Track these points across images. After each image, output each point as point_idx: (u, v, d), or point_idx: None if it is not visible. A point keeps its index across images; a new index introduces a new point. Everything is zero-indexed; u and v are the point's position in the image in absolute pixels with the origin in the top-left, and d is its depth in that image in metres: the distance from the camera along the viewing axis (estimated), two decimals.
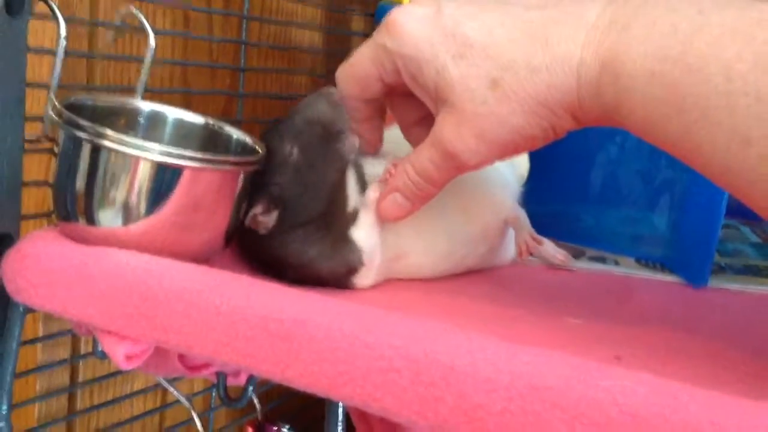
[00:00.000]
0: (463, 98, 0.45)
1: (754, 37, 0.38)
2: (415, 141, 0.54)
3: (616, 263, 0.71)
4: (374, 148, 0.56)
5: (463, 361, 0.37)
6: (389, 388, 0.38)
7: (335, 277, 0.54)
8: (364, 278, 0.55)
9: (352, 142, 0.54)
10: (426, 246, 0.58)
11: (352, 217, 0.54)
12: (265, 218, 0.52)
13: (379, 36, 0.48)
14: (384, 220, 0.53)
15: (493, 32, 0.45)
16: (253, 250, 0.55)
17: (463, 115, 0.45)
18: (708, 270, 0.66)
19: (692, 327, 0.55)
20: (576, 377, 0.35)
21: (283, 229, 0.52)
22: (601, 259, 0.72)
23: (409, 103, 0.52)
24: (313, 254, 0.53)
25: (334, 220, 0.54)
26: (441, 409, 0.37)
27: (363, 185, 0.55)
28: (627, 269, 0.70)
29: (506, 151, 0.46)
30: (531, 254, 0.64)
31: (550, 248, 0.66)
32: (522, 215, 0.63)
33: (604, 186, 0.77)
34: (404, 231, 0.56)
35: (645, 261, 0.73)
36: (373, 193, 0.54)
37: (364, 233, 0.54)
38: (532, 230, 0.64)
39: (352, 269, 0.54)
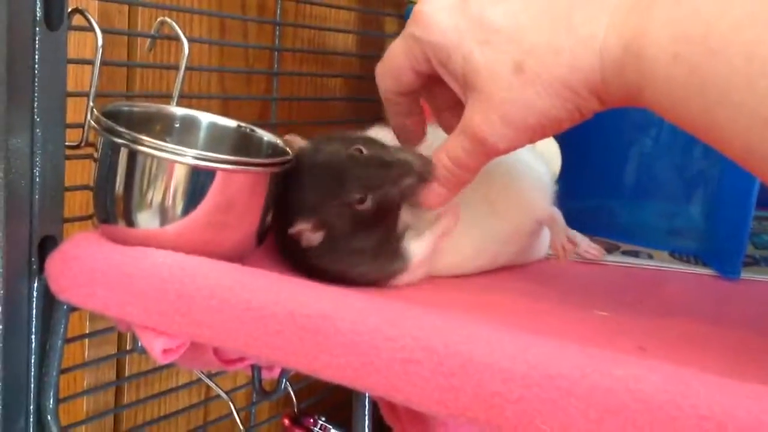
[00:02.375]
0: (489, 84, 0.46)
1: None
2: (447, 126, 0.56)
3: (650, 257, 0.71)
4: (418, 140, 0.56)
5: (481, 352, 0.38)
6: (410, 378, 0.39)
7: (377, 280, 0.55)
8: (403, 280, 0.56)
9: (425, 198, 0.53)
10: (460, 246, 0.58)
11: (404, 232, 0.55)
12: (310, 235, 0.52)
13: (409, 28, 0.50)
14: (426, 206, 0.53)
15: (518, 17, 0.46)
16: (297, 259, 0.55)
17: (490, 101, 0.46)
18: (740, 262, 0.65)
19: (722, 319, 0.55)
20: (590, 366, 0.36)
21: (333, 248, 0.52)
22: (635, 253, 0.72)
23: (441, 89, 0.53)
24: (363, 270, 0.54)
25: (387, 239, 0.54)
26: (460, 397, 0.38)
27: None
28: (660, 262, 0.70)
29: (534, 134, 0.47)
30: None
31: (584, 244, 0.66)
32: (557, 216, 0.63)
33: (638, 180, 0.77)
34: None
35: (679, 254, 0.73)
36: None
37: (418, 246, 0.55)
38: (568, 230, 0.64)
39: (397, 274, 0.55)
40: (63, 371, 0.56)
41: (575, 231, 0.65)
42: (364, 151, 0.53)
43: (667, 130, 0.75)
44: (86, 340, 0.70)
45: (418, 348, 0.40)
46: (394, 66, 0.52)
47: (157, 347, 0.48)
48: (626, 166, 0.77)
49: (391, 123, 0.56)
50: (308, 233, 0.52)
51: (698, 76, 0.40)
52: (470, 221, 0.58)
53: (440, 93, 0.54)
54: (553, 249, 0.63)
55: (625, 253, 0.72)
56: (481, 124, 0.47)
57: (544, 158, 0.67)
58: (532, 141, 0.48)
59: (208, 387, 0.82)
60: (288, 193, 0.53)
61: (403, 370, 0.40)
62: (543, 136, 0.48)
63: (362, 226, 0.52)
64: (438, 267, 0.58)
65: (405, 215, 0.54)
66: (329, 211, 0.52)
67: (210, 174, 0.49)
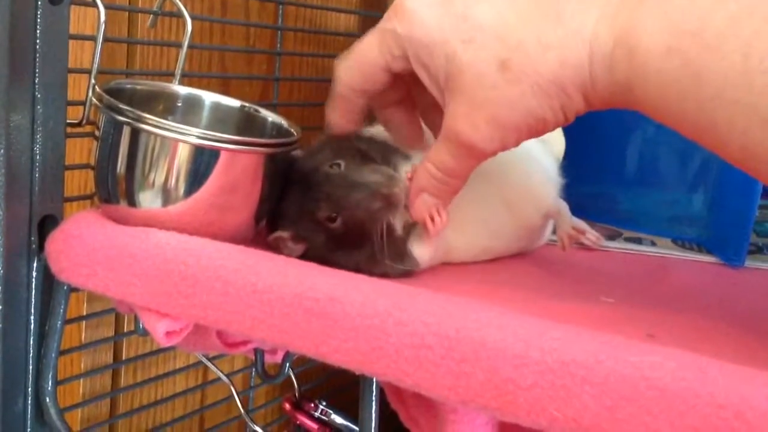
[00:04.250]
0: (473, 84, 0.44)
1: None
2: (432, 126, 0.54)
3: (653, 243, 0.71)
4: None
5: (494, 337, 0.38)
6: (421, 363, 0.39)
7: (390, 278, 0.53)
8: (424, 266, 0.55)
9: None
10: (468, 242, 0.58)
11: (407, 233, 0.53)
12: (291, 245, 0.52)
13: (388, 22, 0.47)
14: (418, 221, 0.51)
15: (504, 14, 0.44)
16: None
17: (474, 102, 0.44)
18: (745, 250, 0.65)
19: (727, 306, 0.55)
20: (605, 352, 0.36)
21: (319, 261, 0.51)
22: (638, 240, 0.72)
23: (419, 90, 0.50)
24: (377, 272, 0.51)
25: (389, 244, 0.52)
26: (472, 384, 0.38)
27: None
28: (663, 249, 0.70)
29: (521, 134, 0.45)
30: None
31: (587, 232, 0.66)
32: (564, 209, 0.63)
33: (640, 167, 0.76)
34: (449, 230, 0.55)
35: (682, 241, 0.72)
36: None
37: (422, 248, 0.54)
38: (574, 220, 0.63)
39: (408, 275, 0.54)
40: (60, 353, 0.55)
41: (580, 220, 0.65)
42: (342, 166, 0.52)
43: None
44: (83, 323, 0.70)
45: (429, 333, 0.39)
46: (365, 61, 0.48)
47: (160, 329, 0.47)
48: (629, 153, 0.77)
49: (331, 119, 0.52)
50: (289, 243, 0.52)
51: (693, 71, 0.38)
52: (482, 216, 0.58)
53: (422, 88, 0.50)
54: (559, 239, 0.63)
55: (628, 239, 0.72)
56: (465, 128, 0.45)
57: (549, 144, 0.67)
58: (518, 142, 0.46)
59: (206, 371, 0.82)
60: (280, 198, 0.53)
61: (414, 355, 0.39)
62: (529, 136, 0.45)
63: (341, 244, 0.51)
64: (448, 259, 0.58)
65: (406, 215, 0.52)
66: (305, 226, 0.51)
67: (214, 154, 0.49)
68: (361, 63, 0.49)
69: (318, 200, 0.51)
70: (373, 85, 0.49)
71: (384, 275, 0.51)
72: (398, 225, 0.52)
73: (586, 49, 0.42)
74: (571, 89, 0.43)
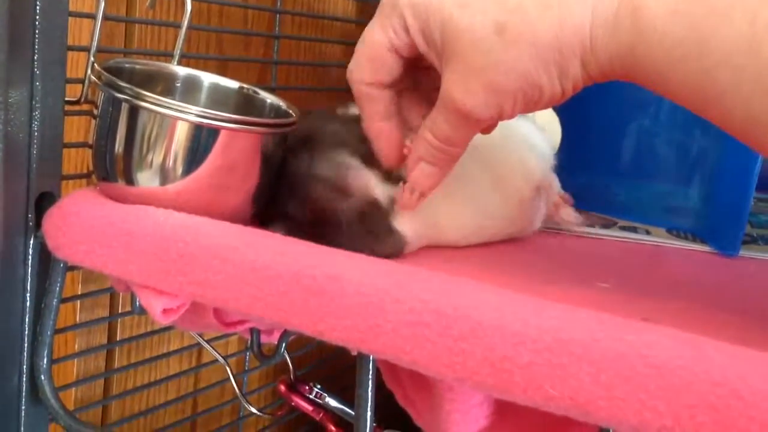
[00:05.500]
0: (469, 49, 0.43)
1: None
2: None
3: (648, 232, 0.71)
4: (395, 155, 0.50)
5: (491, 315, 0.38)
6: (418, 341, 0.39)
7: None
8: (411, 249, 0.55)
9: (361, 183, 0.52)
10: (457, 219, 0.58)
11: (391, 208, 0.53)
12: None
13: None
14: (418, 191, 0.50)
15: None
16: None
17: (470, 67, 0.43)
18: (739, 240, 0.66)
19: (721, 294, 0.55)
20: (602, 331, 0.36)
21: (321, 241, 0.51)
22: (633, 229, 0.72)
23: (426, 76, 0.49)
24: (366, 251, 0.50)
25: (373, 221, 0.52)
26: (469, 362, 0.38)
27: (390, 175, 0.53)
28: (658, 238, 0.70)
29: (516, 102, 0.43)
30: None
31: (569, 208, 0.66)
32: (554, 181, 0.63)
33: (636, 158, 0.77)
34: (440, 209, 0.55)
35: (677, 231, 0.73)
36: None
37: (406, 224, 0.53)
38: (561, 191, 0.64)
39: (394, 257, 0.54)
40: (55, 332, 0.55)
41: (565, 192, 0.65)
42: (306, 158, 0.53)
43: (666, 108, 0.75)
44: (78, 302, 0.70)
45: (426, 311, 0.39)
46: (371, 47, 0.47)
47: (157, 307, 0.47)
48: (625, 143, 0.77)
49: (366, 128, 0.50)
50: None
51: (698, 35, 0.38)
52: (471, 193, 0.58)
53: (426, 80, 0.50)
54: (548, 209, 0.63)
55: (623, 228, 0.72)
56: (461, 95, 0.44)
57: (545, 132, 0.67)
58: (514, 111, 0.44)
59: (200, 354, 0.82)
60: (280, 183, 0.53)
61: (411, 333, 0.39)
62: (525, 104, 0.44)
63: (320, 235, 0.50)
64: (440, 240, 0.58)
65: (387, 189, 0.52)
66: (291, 222, 0.52)
67: (213, 133, 0.48)
68: (366, 51, 0.48)
69: (285, 196, 0.52)
70: (384, 71, 0.48)
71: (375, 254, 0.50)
72: (383, 198, 0.52)
73: (588, 9, 0.41)
74: (568, 52, 0.42)
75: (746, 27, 0.37)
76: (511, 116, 0.45)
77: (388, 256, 0.52)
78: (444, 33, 0.44)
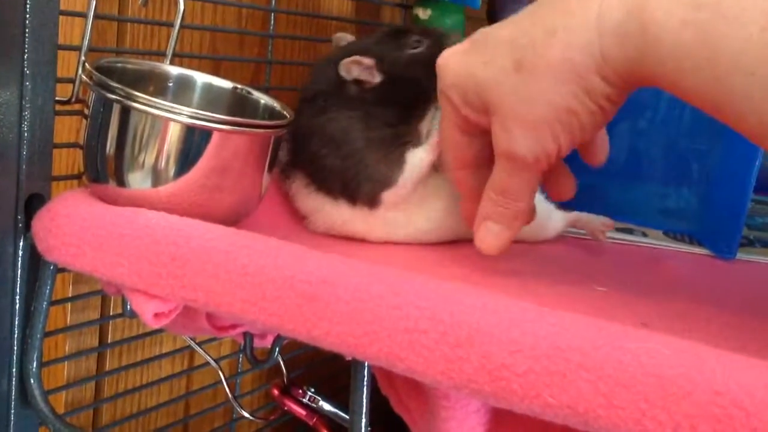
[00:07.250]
0: (499, 96, 0.44)
1: None
2: None
3: (644, 235, 0.71)
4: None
5: (489, 322, 0.37)
6: (415, 348, 0.38)
7: (371, 181, 0.55)
8: (392, 197, 0.56)
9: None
10: (433, 212, 0.59)
11: (417, 141, 0.56)
12: (373, 71, 0.56)
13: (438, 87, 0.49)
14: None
15: (519, 22, 0.45)
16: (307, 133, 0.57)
17: (505, 113, 0.44)
18: (737, 242, 0.65)
19: (719, 297, 0.55)
20: (601, 338, 0.35)
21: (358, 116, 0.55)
22: (629, 231, 0.72)
23: None
24: (368, 162, 0.55)
25: (406, 130, 0.56)
26: (466, 369, 0.37)
27: None
28: (655, 240, 0.69)
29: (555, 132, 0.44)
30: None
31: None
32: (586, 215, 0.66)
33: (632, 160, 0.76)
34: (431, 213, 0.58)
35: (673, 233, 0.72)
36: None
37: (417, 158, 0.55)
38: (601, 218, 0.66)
39: (387, 183, 0.55)
40: (45, 335, 0.54)
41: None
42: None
43: (662, 109, 0.74)
44: (68, 305, 0.69)
45: (423, 317, 0.39)
46: (443, 131, 0.50)
47: (148, 311, 0.46)
48: (621, 145, 0.76)
49: (462, 209, 0.53)
50: (372, 68, 0.56)
51: (708, 43, 0.38)
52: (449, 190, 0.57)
53: None
54: (590, 235, 0.65)
55: (619, 230, 0.71)
56: (505, 141, 0.45)
57: None
58: (556, 142, 0.44)
59: (192, 356, 0.81)
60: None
61: (407, 339, 0.39)
62: (566, 134, 0.44)
63: (402, 93, 0.56)
64: (418, 233, 0.58)
65: (427, 122, 0.57)
66: (388, 56, 0.56)
67: (206, 134, 0.48)
68: (442, 141, 0.51)
69: (404, 36, 0.58)
70: (461, 150, 0.50)
71: (378, 172, 0.55)
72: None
73: (594, 27, 0.41)
74: (583, 70, 0.42)
75: (758, 32, 0.37)
76: (560, 152, 0.45)
77: (384, 180, 0.55)
78: (480, 94, 0.46)
